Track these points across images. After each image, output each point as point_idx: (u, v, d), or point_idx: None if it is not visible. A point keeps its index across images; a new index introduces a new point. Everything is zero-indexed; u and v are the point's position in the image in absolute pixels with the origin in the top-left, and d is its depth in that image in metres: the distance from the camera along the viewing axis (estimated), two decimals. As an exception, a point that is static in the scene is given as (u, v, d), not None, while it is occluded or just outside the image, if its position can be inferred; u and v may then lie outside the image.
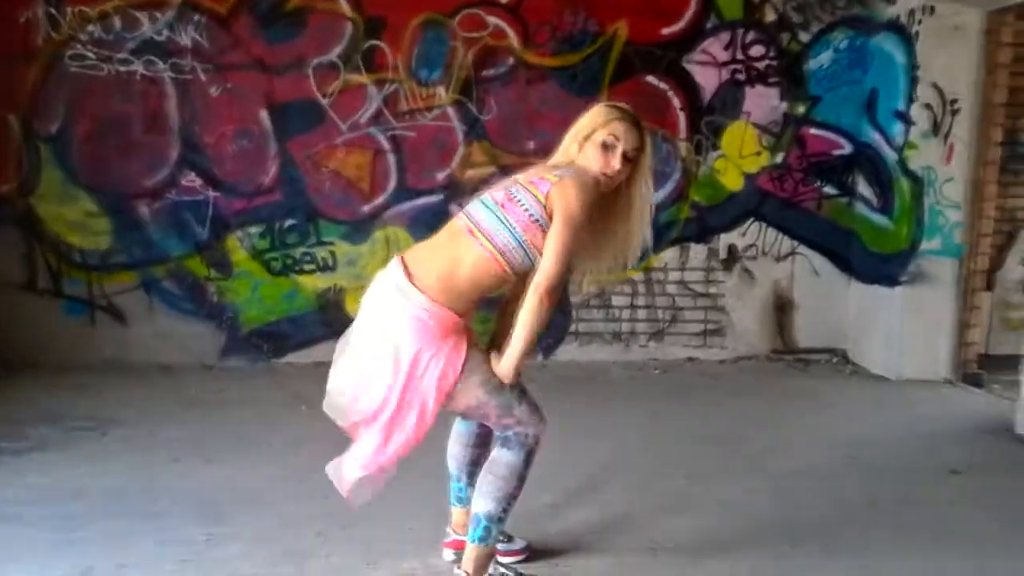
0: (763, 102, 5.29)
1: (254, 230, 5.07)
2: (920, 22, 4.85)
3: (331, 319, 5.17)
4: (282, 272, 5.14)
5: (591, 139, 2.27)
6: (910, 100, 4.92)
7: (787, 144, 5.34)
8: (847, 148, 5.38)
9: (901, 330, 5.07)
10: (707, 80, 5.25)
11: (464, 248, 2.24)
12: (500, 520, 2.33)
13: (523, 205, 2.19)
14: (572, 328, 5.41)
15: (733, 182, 5.37)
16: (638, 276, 5.41)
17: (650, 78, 5.21)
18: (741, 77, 5.26)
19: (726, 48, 5.24)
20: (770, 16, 5.23)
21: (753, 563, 2.65)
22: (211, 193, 5.00)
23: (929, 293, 5.03)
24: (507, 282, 2.30)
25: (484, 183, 5.10)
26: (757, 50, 5.25)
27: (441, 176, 5.16)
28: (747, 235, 5.44)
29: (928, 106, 4.87)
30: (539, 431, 2.29)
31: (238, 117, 4.94)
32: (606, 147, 2.25)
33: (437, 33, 5.02)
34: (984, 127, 4.89)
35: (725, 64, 5.25)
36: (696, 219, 5.37)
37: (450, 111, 5.10)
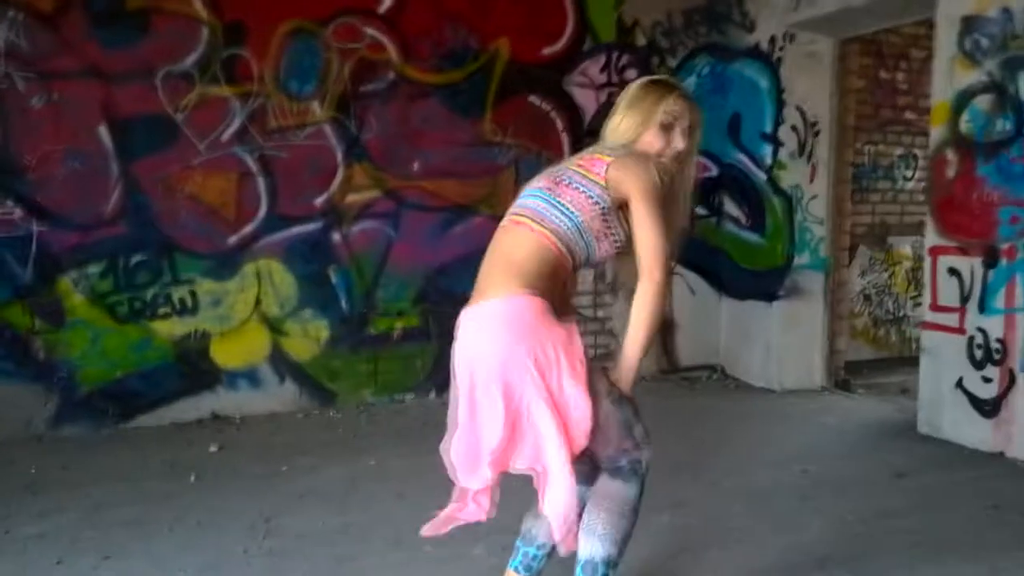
0: (639, 124, 5.32)
1: (93, 269, 4.19)
2: (782, 49, 5.13)
3: (192, 371, 4.41)
4: (130, 318, 4.30)
5: (651, 123, 2.01)
6: (777, 123, 5.17)
7: (662, 166, 5.39)
8: (713, 170, 5.55)
9: (779, 343, 5.27)
10: (587, 102, 5.19)
11: (516, 238, 1.95)
12: (617, 566, 2.01)
13: (575, 186, 1.94)
14: (464, 362, 5.05)
15: (616, 204, 5.32)
16: (529, 303, 5.17)
17: (533, 98, 5.05)
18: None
19: (602, 70, 5.22)
20: (641, 40, 5.30)
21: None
22: (35, 227, 4.07)
23: (802, 306, 5.28)
24: (566, 268, 1.97)
25: (367, 209, 4.74)
26: (631, 73, 5.28)
27: (319, 201, 4.61)
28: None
29: (794, 128, 5.14)
30: (650, 456, 2.02)
31: (68, 134, 4.08)
32: (665, 127, 2.01)
33: (308, 43, 4.50)
34: (839, 148, 5.25)
35: (602, 86, 5.22)
36: (583, 242, 5.25)
37: (326, 129, 4.58)
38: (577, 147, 5.07)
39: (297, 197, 4.56)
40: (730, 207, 5.58)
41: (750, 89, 5.35)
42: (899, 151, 6.14)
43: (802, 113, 5.14)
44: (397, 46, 4.68)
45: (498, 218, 4.97)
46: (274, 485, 3.46)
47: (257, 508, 3.17)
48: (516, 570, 2.13)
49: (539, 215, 1.94)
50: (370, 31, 4.62)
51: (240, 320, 4.50)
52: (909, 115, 6.07)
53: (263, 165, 4.47)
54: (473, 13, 4.81)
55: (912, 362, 6.07)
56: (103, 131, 4.15)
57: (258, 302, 4.54)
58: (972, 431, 3.96)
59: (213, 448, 3.97)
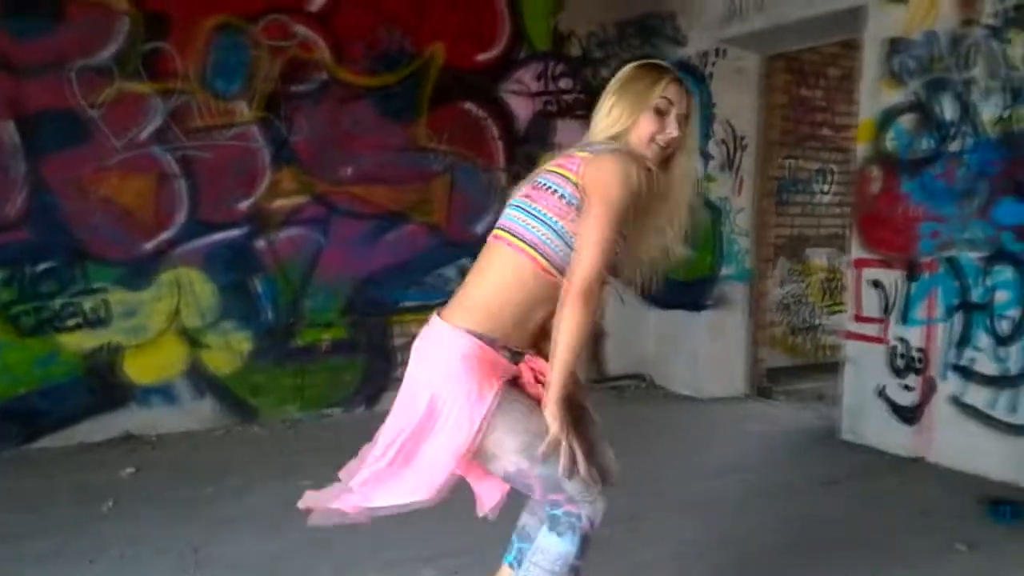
0: (572, 135, 5.29)
1: (-7, 277, 3.87)
2: (713, 64, 5.23)
3: (103, 386, 4.11)
4: (35, 330, 3.96)
5: (644, 106, 1.84)
6: (706, 136, 5.26)
7: (594, 176, 5.39)
8: (644, 181, 5.60)
9: (706, 352, 5.36)
10: (521, 110, 5.15)
11: (499, 259, 1.82)
12: None
13: (551, 189, 1.79)
14: (397, 372, 4.91)
15: (548, 213, 5.29)
16: (461, 313, 5.08)
17: (468, 105, 4.96)
18: (552, 108, 5.24)
19: (538, 78, 5.19)
20: (576, 50, 5.30)
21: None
22: (-75, 229, 3.72)
23: (728, 316, 5.39)
24: (551, 283, 1.79)
25: (295, 214, 4.55)
26: (565, 83, 5.27)
27: (244, 206, 4.39)
28: (562, 266, 5.39)
29: (723, 142, 5.25)
30: (593, 512, 1.80)
31: (-35, 129, 3.75)
32: (660, 112, 1.84)
33: (236, 39, 4.29)
34: (764, 162, 5.40)
35: (537, 95, 5.19)
36: (516, 251, 5.20)
37: (254, 130, 4.37)
38: (511, 156, 5.07)
39: (220, 201, 4.33)
40: (659, 218, 5.63)
41: (680, 102, 5.42)
42: (816, 166, 6.38)
43: (730, 127, 5.25)
44: (329, 46, 4.52)
45: (431, 226, 4.86)
46: (200, 510, 3.24)
47: (184, 537, 2.95)
48: (511, 565, 2.01)
49: (516, 228, 1.81)
50: (301, 29, 4.44)
51: (156, 332, 4.23)
52: (826, 131, 6.31)
53: (184, 166, 4.22)
54: (408, 16, 4.70)
55: (825, 368, 6.34)
56: (10, 127, 3.82)
57: (176, 313, 4.28)
58: (893, 437, 4.11)
59: (128, 471, 3.70)
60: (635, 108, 1.85)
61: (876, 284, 4.20)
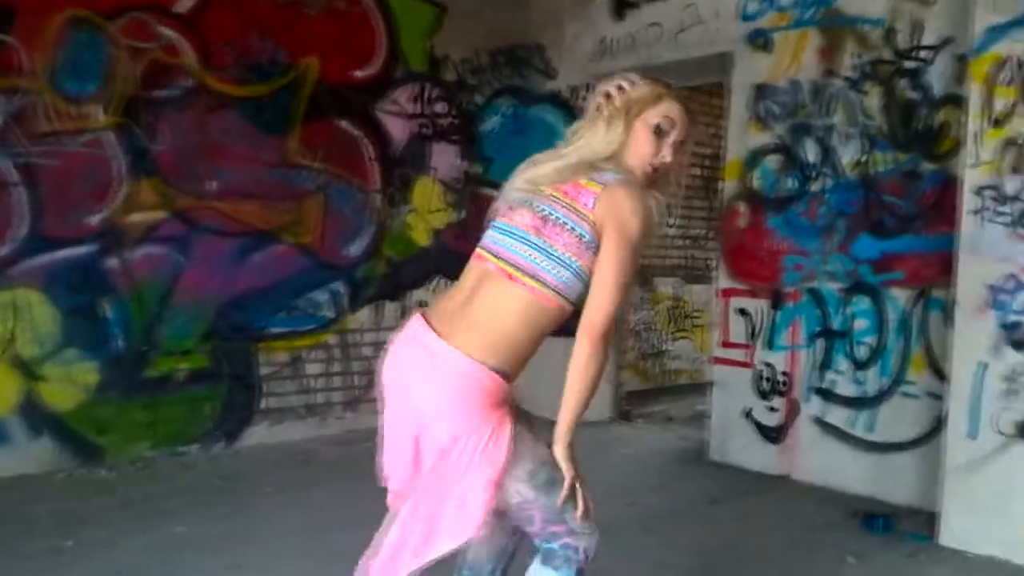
0: (446, 159, 5.25)
1: None
2: (584, 98, 5.37)
3: (-84, 426, 3.49)
4: None
5: (641, 118, 1.75)
6: (577, 166, 5.38)
7: (466, 201, 5.37)
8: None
9: (574, 377, 5.44)
10: (397, 131, 5.02)
11: (504, 295, 1.69)
12: None
13: (567, 226, 1.67)
14: (261, 404, 4.56)
15: (422, 237, 5.19)
16: (333, 340, 4.83)
17: (343, 122, 4.77)
18: (428, 132, 5.16)
19: (414, 100, 5.09)
20: (450, 75, 5.26)
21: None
22: None
23: (595, 341, 5.51)
24: (563, 317, 1.74)
25: (153, 231, 4.12)
26: (441, 106, 5.21)
27: (95, 220, 3.93)
28: (435, 291, 5.29)
29: (592, 173, 5.39)
30: (591, 545, 1.74)
31: None
32: (660, 133, 1.76)
33: (91, 36, 3.85)
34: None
35: (413, 116, 5.09)
36: (391, 275, 5.04)
37: (109, 137, 3.93)
38: (388, 177, 4.92)
39: (68, 214, 3.84)
40: (528, 245, 5.68)
41: (550, 133, 5.52)
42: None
43: (599, 159, 5.41)
44: (197, 51, 4.18)
45: (302, 247, 4.60)
46: (64, 566, 2.81)
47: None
48: None
49: (535, 269, 1.67)
50: (166, 31, 4.07)
51: (-15, 362, 3.66)
52: (675, 168, 6.67)
53: (27, 174, 3.71)
54: (283, 26, 4.46)
55: (672, 391, 6.70)
56: None
57: (10, 340, 3.73)
58: (759, 456, 4.36)
59: (-46, 524, 3.15)
60: (632, 124, 1.75)
61: (743, 312, 4.47)
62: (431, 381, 1.70)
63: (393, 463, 1.79)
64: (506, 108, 5.54)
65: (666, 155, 1.77)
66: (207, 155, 4.24)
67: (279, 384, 4.61)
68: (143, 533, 3.13)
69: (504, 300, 1.70)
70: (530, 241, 1.70)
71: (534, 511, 1.71)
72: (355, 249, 4.81)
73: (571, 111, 5.41)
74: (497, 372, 1.66)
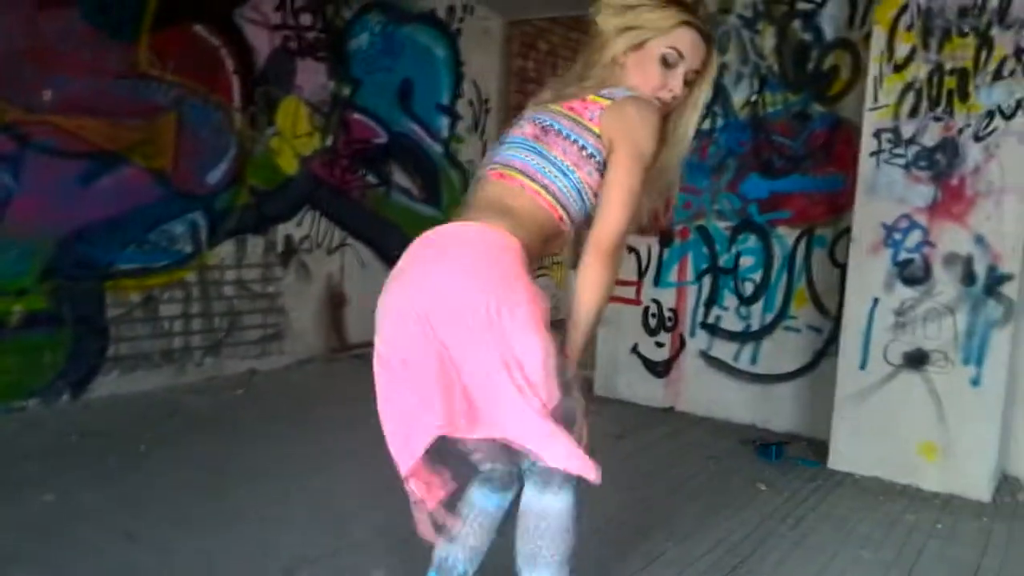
0: (313, 78, 4.77)
1: None
2: (461, 20, 5.08)
3: None
4: None
5: (645, 47, 1.69)
6: (455, 95, 5.12)
7: (335, 127, 4.94)
8: (384, 137, 5.28)
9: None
10: (260, 43, 4.48)
11: (508, 193, 1.65)
12: None
13: (568, 137, 1.65)
14: (111, 351, 3.99)
15: (289, 165, 4.72)
16: (191, 277, 4.31)
17: (199, 28, 4.17)
18: (293, 46, 4.65)
19: (277, 9, 4.55)
20: (316, -20, 4.76)
21: None
22: None
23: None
24: (561, 235, 1.69)
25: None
26: (306, 18, 4.71)
27: None
28: (303, 225, 4.87)
29: (471, 103, 5.16)
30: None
31: None
32: (667, 64, 1.68)
33: None
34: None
35: (277, 28, 4.56)
36: (254, 206, 4.55)
37: (-90, 27, 3.16)
38: (250, 94, 4.41)
39: None
40: (401, 178, 5.36)
41: (424, 56, 5.20)
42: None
43: (477, 88, 5.18)
44: (22, -72, 3.44)
45: (155, 172, 4.12)
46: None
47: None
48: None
49: (530, 170, 1.64)
50: (-19, -102, 3.31)
51: None
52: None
53: None
54: (129, -92, 3.78)
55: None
56: None
57: None
58: (645, 390, 4.45)
59: None
60: (637, 50, 1.70)
61: (631, 249, 4.48)
62: (468, 245, 1.57)
63: (424, 402, 1.58)
64: (376, 25, 5.12)
65: (675, 88, 1.71)
66: (39, 60, 3.54)
67: (131, 327, 4.05)
68: (3, 506, 2.63)
69: (510, 197, 1.65)
70: (528, 144, 1.67)
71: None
72: (214, 176, 4.29)
73: (448, 34, 5.12)
74: (518, 241, 1.59)
